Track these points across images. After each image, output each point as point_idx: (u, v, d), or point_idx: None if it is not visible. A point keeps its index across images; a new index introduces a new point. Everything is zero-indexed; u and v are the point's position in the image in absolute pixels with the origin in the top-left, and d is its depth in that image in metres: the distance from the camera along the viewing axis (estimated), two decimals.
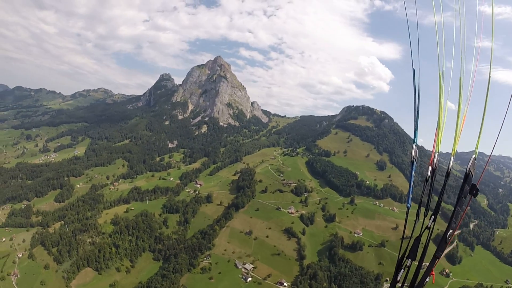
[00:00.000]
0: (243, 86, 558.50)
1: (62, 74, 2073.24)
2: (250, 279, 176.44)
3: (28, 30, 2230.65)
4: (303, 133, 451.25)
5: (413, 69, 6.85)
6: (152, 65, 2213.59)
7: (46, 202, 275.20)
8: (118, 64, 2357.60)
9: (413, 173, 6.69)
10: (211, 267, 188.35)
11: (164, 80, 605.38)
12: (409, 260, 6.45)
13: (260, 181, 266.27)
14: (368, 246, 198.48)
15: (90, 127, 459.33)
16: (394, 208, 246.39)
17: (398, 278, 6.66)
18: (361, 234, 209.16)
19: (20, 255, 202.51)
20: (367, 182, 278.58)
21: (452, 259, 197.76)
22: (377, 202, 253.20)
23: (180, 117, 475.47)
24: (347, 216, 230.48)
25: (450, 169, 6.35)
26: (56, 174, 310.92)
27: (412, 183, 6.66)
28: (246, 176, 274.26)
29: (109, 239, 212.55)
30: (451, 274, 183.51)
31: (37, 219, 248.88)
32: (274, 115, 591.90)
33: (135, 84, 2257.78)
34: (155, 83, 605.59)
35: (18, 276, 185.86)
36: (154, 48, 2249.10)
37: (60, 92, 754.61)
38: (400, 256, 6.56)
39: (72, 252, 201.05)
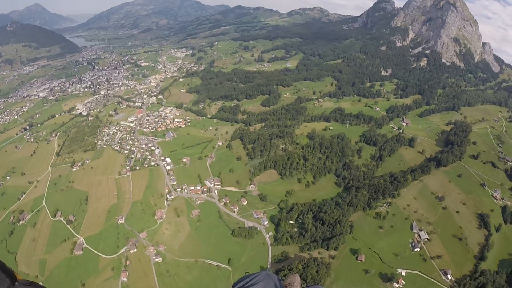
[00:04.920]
0: (475, 20, 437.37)
1: None
2: (418, 249, 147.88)
3: None
4: None
5: None
6: None
7: (253, 104, 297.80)
8: None
9: None
10: (386, 217, 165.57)
11: (384, 2, 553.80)
12: None
13: (474, 143, 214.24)
14: None
15: (304, 43, 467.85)
16: None
17: None
18: None
19: (220, 143, 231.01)
20: None
21: None
22: None
23: (398, 44, 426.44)
24: None
25: None
26: (267, 81, 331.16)
27: None
28: (460, 131, 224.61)
29: (301, 150, 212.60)
30: None
31: (242, 117, 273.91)
32: (508, 65, 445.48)
33: (352, 5, 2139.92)
34: (373, 5, 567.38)
35: (214, 159, 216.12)
36: None
37: (277, 10, 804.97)
38: None
39: (264, 152, 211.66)
